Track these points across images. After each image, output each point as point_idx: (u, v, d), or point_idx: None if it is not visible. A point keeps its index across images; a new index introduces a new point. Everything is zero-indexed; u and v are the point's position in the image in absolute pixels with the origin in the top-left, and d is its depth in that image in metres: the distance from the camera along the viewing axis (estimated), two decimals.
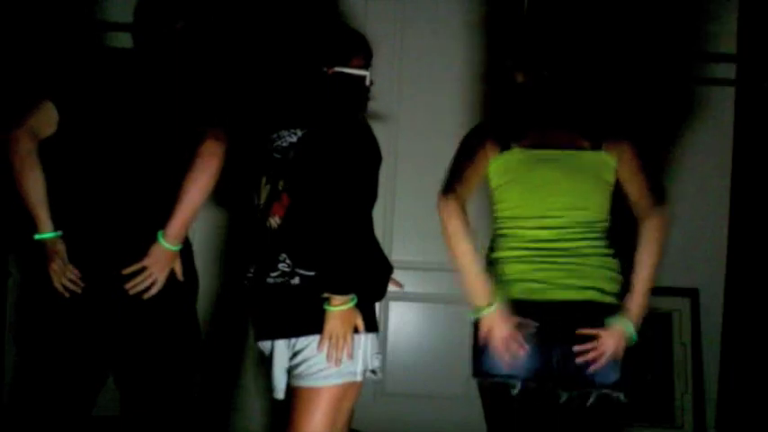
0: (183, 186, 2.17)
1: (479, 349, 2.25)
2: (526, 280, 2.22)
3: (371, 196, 2.20)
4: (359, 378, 2.17)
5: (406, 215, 3.53)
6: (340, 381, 2.15)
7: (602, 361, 2.17)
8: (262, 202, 2.26)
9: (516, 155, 2.26)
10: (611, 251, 2.29)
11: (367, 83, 2.31)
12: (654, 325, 3.49)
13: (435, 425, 3.49)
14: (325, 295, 2.10)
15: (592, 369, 2.17)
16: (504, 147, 2.26)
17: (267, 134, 2.28)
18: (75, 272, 2.20)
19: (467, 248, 2.19)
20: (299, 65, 2.29)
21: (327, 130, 2.17)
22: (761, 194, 3.48)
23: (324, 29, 2.39)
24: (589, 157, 2.26)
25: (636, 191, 2.27)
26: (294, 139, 2.21)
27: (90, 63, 2.35)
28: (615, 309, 2.22)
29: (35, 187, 2.19)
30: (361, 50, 2.32)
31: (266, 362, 2.30)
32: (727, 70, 3.52)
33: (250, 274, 2.26)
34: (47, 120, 2.23)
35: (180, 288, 2.27)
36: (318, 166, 2.14)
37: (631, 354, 2.23)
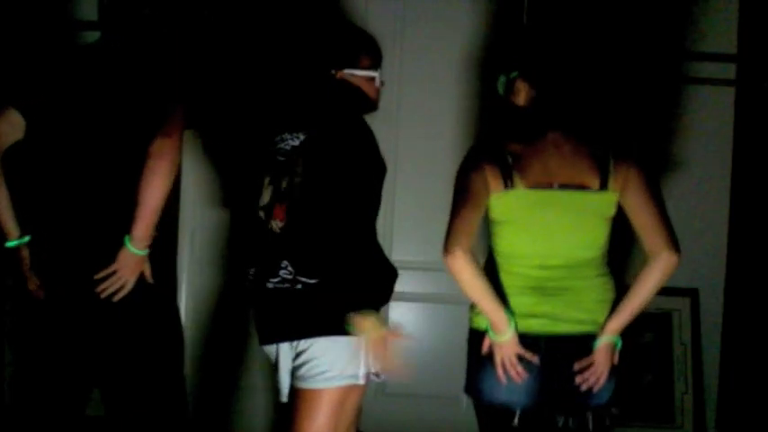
0: (138, 190, 2.16)
1: (476, 368, 2.24)
2: (527, 314, 2.20)
3: (376, 203, 2.18)
4: (361, 381, 2.17)
5: (406, 215, 3.53)
6: (342, 383, 2.16)
7: (602, 381, 2.20)
8: (264, 203, 2.26)
9: (520, 195, 2.17)
10: (608, 277, 2.29)
11: (377, 84, 2.30)
12: (654, 325, 3.49)
13: (435, 425, 3.49)
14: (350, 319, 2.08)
15: (594, 389, 2.19)
16: (507, 184, 2.16)
17: (271, 136, 2.27)
18: (36, 280, 2.26)
19: (484, 291, 2.15)
20: (305, 67, 2.29)
21: (332, 134, 2.15)
22: (761, 194, 3.48)
23: (330, 30, 2.38)
24: (595, 198, 2.19)
25: (644, 224, 2.20)
26: (297, 142, 2.19)
27: (54, 63, 2.34)
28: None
29: None
30: (370, 51, 2.31)
31: (273, 365, 2.30)
32: (728, 70, 3.52)
33: (251, 277, 2.25)
34: (10, 128, 2.24)
35: (151, 289, 2.26)
36: (323, 172, 2.13)
37: (619, 369, 2.26)
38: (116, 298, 2.19)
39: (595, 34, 3.43)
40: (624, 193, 2.20)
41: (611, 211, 2.23)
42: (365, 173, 2.13)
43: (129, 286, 2.20)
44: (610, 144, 2.23)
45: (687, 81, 3.51)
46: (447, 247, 2.15)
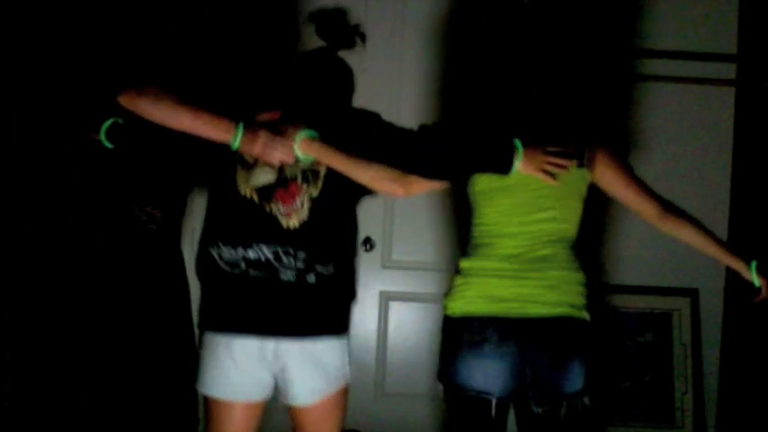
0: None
1: (450, 355, 2.24)
2: (500, 298, 2.21)
3: None
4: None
5: (405, 215, 3.53)
6: (347, 380, 2.20)
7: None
8: (248, 188, 2.17)
9: None
10: (578, 264, 2.31)
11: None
12: (654, 325, 3.49)
13: (435, 425, 3.49)
14: None
15: (567, 375, 2.20)
16: None
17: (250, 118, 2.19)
18: None
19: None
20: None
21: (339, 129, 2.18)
22: (761, 194, 3.47)
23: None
24: (575, 174, 2.27)
25: (633, 196, 2.35)
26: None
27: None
28: (586, 323, 2.25)
29: None
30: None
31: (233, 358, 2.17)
32: (728, 70, 3.52)
33: (239, 262, 2.14)
34: None
35: (170, 294, 2.26)
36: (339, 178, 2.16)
37: (591, 361, 2.26)
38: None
39: (594, 33, 3.44)
40: (599, 171, 2.31)
41: (585, 190, 2.33)
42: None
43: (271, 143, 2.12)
44: (583, 129, 2.36)
45: (687, 81, 3.51)
46: None
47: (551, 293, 2.21)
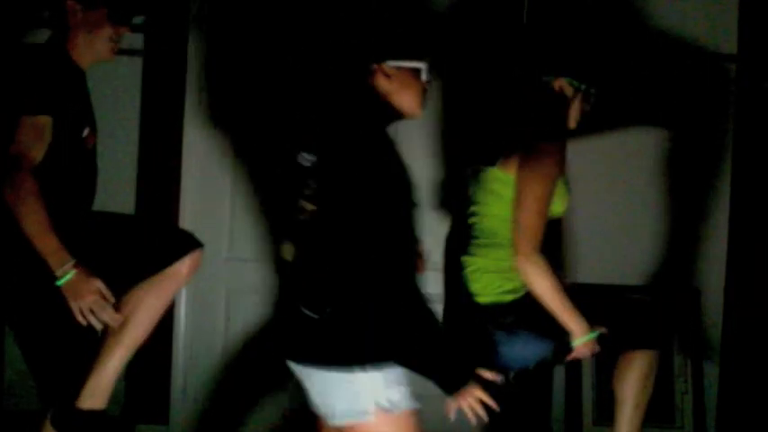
0: None
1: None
2: None
3: (399, 232, 1.90)
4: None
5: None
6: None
7: None
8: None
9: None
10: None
11: (423, 79, 2.04)
12: (654, 325, 3.49)
13: (435, 425, 3.48)
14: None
15: None
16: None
17: (292, 152, 2.06)
18: None
19: (565, 298, 2.37)
20: (338, 66, 2.08)
21: (341, 156, 1.92)
22: (761, 194, 3.48)
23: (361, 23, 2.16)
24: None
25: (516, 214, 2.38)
26: (308, 164, 1.98)
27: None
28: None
29: None
30: (411, 38, 2.07)
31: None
32: (727, 70, 3.52)
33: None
34: None
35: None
36: (331, 201, 1.92)
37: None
38: (103, 319, 2.17)
39: (594, 34, 3.44)
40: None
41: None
42: (377, 201, 1.88)
43: (103, 308, 2.16)
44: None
45: (687, 81, 3.51)
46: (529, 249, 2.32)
47: None
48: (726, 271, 3.52)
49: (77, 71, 2.32)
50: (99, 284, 2.16)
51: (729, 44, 3.52)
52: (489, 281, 2.41)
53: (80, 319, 2.14)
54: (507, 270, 2.39)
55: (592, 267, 3.46)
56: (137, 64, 3.47)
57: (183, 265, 2.35)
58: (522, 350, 2.40)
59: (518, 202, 2.32)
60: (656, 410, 3.45)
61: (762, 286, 3.45)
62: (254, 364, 3.50)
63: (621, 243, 3.51)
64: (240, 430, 3.53)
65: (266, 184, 3.51)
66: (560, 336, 2.38)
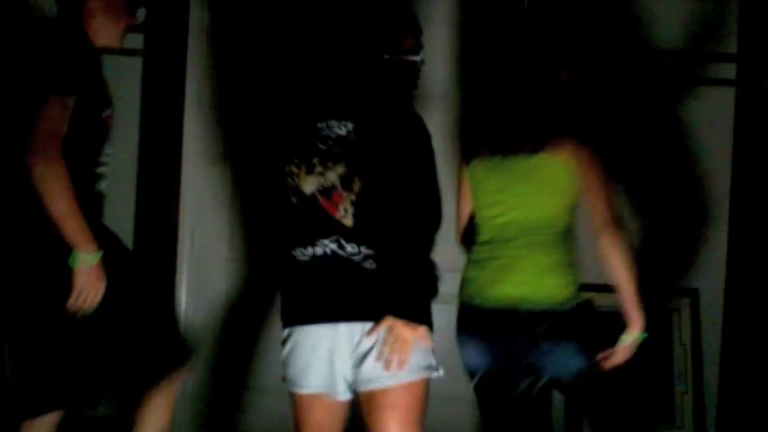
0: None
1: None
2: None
3: (436, 188, 2.10)
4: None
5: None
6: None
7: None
8: (308, 190, 2.11)
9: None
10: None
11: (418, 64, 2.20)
12: (654, 325, 3.49)
13: (435, 425, 3.48)
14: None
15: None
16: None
17: (311, 123, 2.13)
18: None
19: None
20: (350, 52, 2.18)
21: (387, 123, 2.07)
22: (761, 194, 3.48)
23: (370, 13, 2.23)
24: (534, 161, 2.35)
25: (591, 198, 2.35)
26: (344, 131, 2.09)
27: None
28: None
29: None
30: (411, 29, 2.21)
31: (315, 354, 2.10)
32: (728, 70, 3.52)
33: (304, 256, 2.10)
34: None
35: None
36: (385, 164, 2.04)
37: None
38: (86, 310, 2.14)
39: (594, 34, 3.44)
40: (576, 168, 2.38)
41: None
42: (424, 161, 2.07)
43: (98, 298, 2.14)
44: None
45: (687, 81, 3.51)
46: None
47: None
48: (726, 271, 3.52)
49: (97, 52, 2.30)
50: (104, 284, 2.15)
51: (729, 44, 3.52)
52: (549, 282, 2.34)
53: (72, 302, 2.11)
54: (569, 267, 2.37)
55: (592, 267, 3.45)
56: (137, 64, 3.47)
57: (178, 380, 2.36)
58: (567, 359, 2.31)
59: (594, 181, 2.31)
60: (656, 410, 3.45)
61: (762, 286, 3.45)
62: (254, 364, 3.51)
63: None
64: (240, 430, 3.54)
65: (266, 184, 3.50)
66: (597, 350, 2.35)
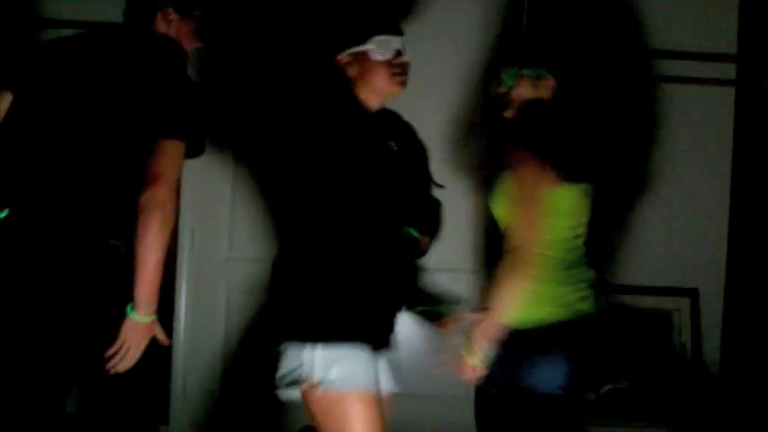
0: (136, 251, 1.98)
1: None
2: None
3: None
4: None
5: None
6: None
7: None
8: None
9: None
10: None
11: (384, 56, 2.21)
12: (654, 325, 3.49)
13: (435, 425, 3.49)
14: None
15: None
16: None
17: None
18: None
19: None
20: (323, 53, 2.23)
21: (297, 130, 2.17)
22: (761, 194, 3.48)
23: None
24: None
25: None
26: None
27: (48, 50, 2.16)
28: None
29: None
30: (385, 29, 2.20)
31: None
32: (728, 70, 3.52)
33: None
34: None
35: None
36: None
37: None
38: (121, 369, 2.00)
39: (595, 34, 3.44)
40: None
41: None
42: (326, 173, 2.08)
43: (137, 357, 2.00)
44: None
45: (687, 81, 3.51)
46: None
47: None
48: (726, 271, 3.52)
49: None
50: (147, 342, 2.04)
51: (729, 44, 3.52)
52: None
53: (115, 350, 1.99)
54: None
55: (591, 267, 3.46)
56: None
57: None
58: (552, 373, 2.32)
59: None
60: (656, 410, 3.45)
61: (762, 286, 3.45)
62: (254, 364, 3.50)
63: (621, 243, 3.51)
64: (240, 430, 3.54)
65: (266, 183, 3.51)
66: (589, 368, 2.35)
